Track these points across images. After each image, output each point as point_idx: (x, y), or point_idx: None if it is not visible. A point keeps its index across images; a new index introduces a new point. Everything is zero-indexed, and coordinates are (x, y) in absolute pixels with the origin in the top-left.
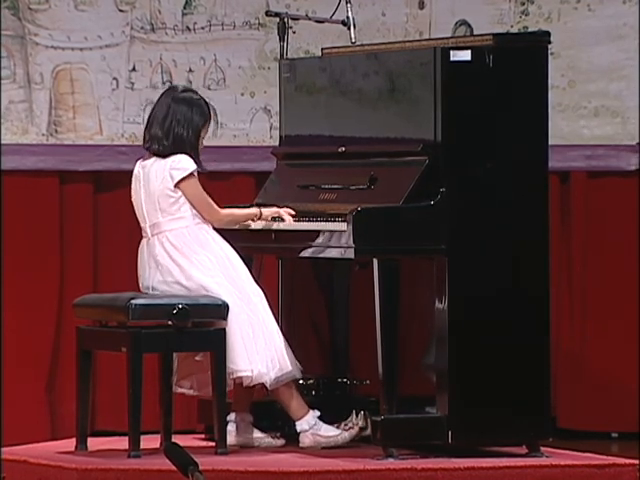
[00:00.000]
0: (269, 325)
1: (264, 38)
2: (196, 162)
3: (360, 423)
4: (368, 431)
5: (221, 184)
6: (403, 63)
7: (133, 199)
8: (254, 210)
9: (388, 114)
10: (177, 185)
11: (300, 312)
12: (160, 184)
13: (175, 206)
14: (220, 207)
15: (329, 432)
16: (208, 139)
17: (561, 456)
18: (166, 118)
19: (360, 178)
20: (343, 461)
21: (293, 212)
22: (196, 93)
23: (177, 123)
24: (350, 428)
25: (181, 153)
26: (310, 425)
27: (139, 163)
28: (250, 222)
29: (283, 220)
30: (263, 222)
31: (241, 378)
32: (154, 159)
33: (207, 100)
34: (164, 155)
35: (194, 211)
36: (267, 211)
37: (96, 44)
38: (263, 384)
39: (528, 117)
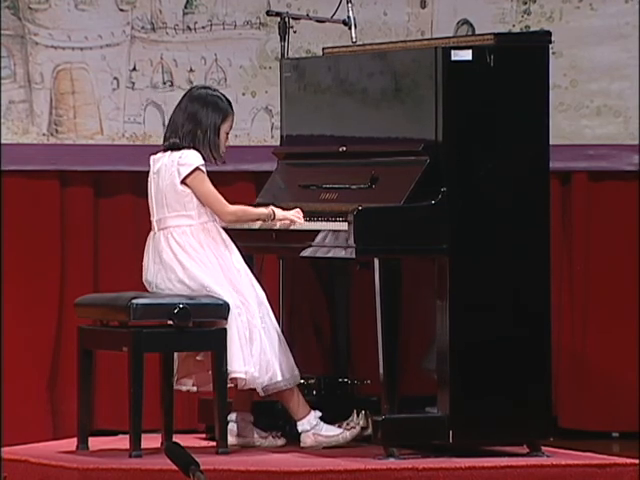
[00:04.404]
0: (267, 331)
1: (265, 38)
2: (205, 158)
3: (361, 422)
4: (369, 430)
5: (222, 184)
6: (404, 63)
7: (148, 193)
8: (267, 210)
9: (389, 113)
10: (184, 181)
11: (301, 312)
12: (168, 179)
13: (181, 203)
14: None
15: (330, 432)
16: None
17: (562, 456)
18: (180, 118)
19: (361, 178)
20: (344, 461)
21: (301, 215)
22: (212, 90)
23: (189, 121)
24: (352, 428)
25: (189, 148)
26: (312, 425)
27: (152, 157)
28: (259, 222)
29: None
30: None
31: (235, 380)
32: (167, 153)
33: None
34: (174, 149)
35: (201, 210)
36: (280, 215)
37: (96, 44)
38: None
39: (529, 117)
